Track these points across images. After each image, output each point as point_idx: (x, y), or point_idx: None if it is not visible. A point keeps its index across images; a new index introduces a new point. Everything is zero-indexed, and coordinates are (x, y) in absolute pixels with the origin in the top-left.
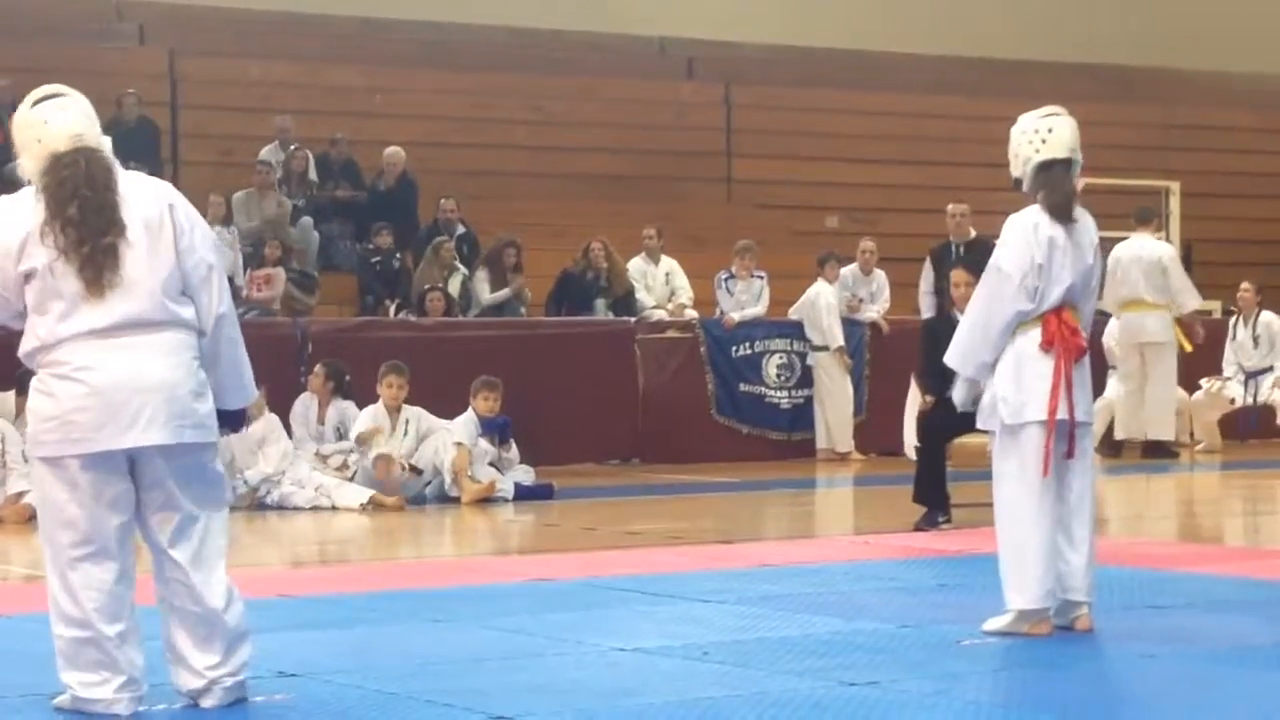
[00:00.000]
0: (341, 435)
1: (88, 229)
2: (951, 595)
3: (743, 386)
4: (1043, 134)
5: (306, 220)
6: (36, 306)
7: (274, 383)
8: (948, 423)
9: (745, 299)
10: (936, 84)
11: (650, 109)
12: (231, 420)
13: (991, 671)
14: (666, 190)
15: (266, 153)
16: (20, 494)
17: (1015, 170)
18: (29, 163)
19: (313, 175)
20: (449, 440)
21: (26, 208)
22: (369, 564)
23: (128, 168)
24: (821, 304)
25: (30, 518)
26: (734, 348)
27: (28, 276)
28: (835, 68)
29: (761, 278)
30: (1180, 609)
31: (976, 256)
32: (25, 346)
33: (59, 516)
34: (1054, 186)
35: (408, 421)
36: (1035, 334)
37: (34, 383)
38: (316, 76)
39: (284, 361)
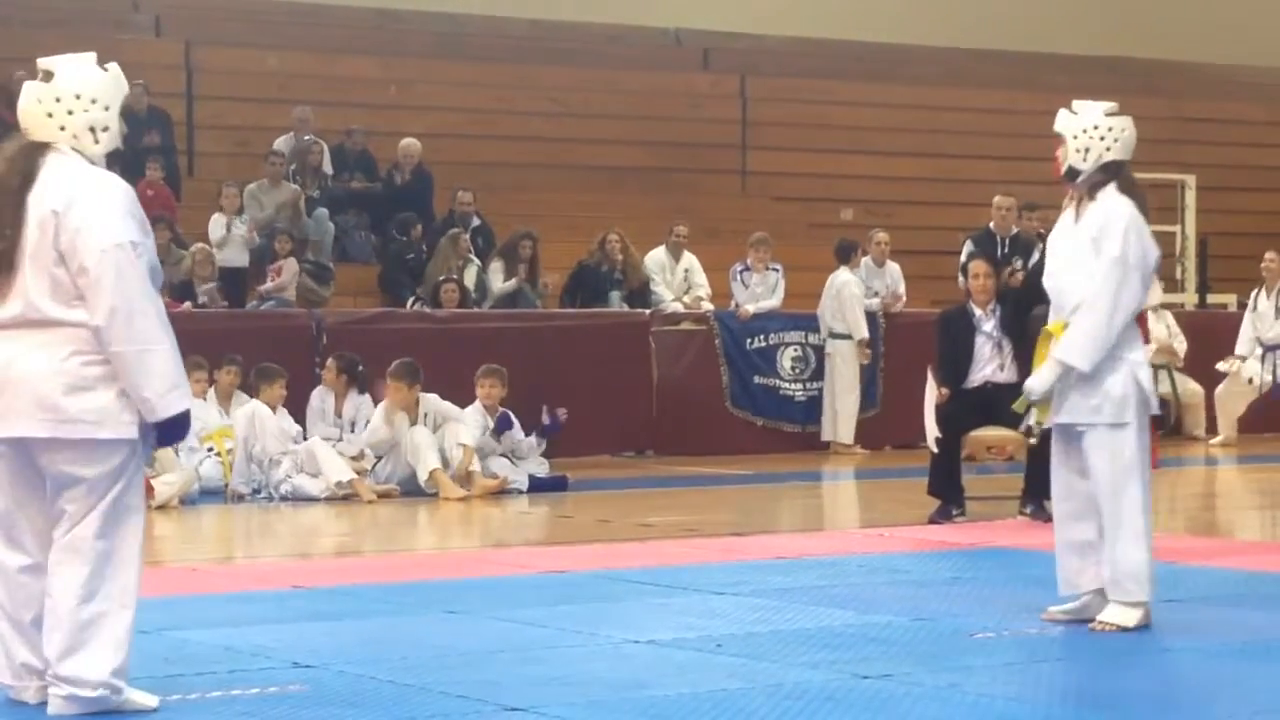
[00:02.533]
0: (355, 429)
1: None
2: (965, 588)
3: (757, 379)
4: (1116, 133)
5: (322, 212)
6: None
7: (289, 375)
8: (962, 415)
9: (760, 291)
10: (952, 77)
11: (666, 101)
12: (162, 434)
13: (1004, 664)
14: (682, 182)
15: (280, 143)
16: None
17: (1078, 162)
18: None
19: (328, 167)
20: (458, 436)
21: None
22: (383, 555)
23: (148, 158)
24: (847, 294)
25: None
26: (749, 340)
27: None
28: (851, 60)
29: (777, 270)
30: (1195, 603)
31: (1019, 251)
32: None
33: None
34: (1135, 185)
35: (425, 415)
36: (1137, 328)
37: None
38: (332, 67)
39: (299, 353)
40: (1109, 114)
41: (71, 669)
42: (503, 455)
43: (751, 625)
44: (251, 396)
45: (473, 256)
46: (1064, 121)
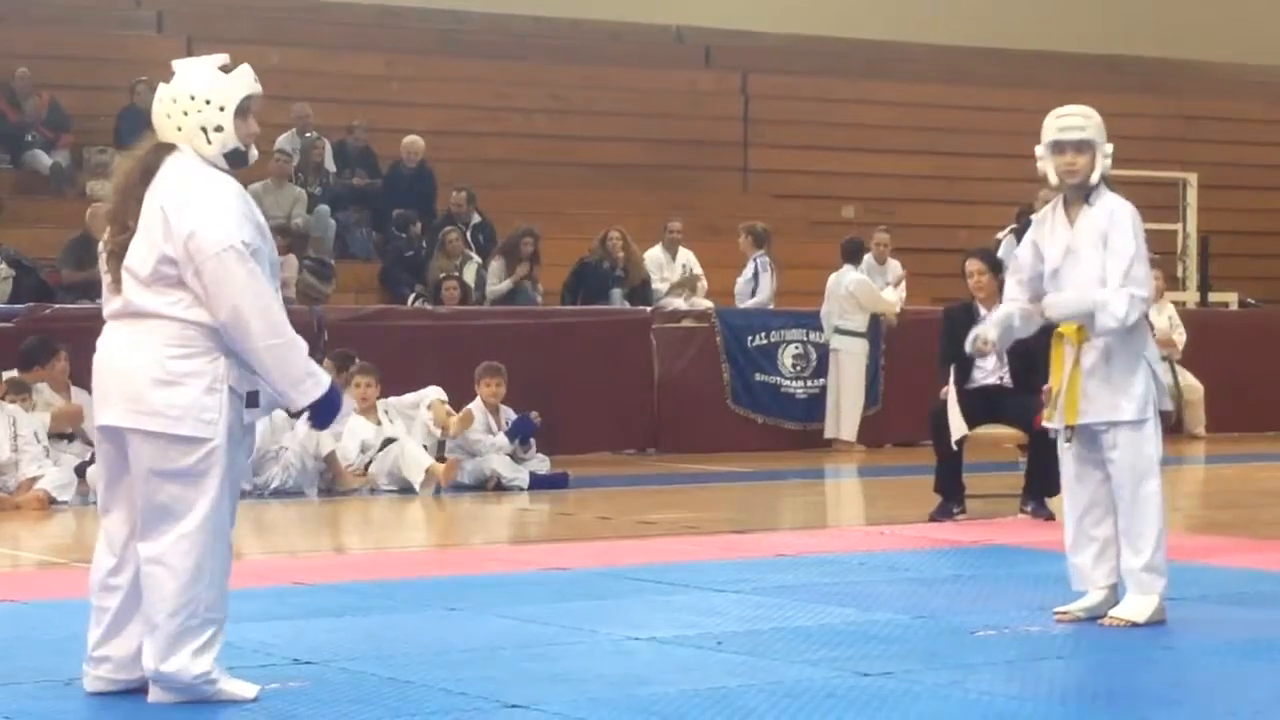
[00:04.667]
0: None
1: (110, 230)
2: (966, 586)
3: (758, 376)
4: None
5: (323, 208)
6: None
7: None
8: (970, 413)
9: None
10: (954, 74)
11: (667, 98)
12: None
13: (1005, 662)
14: (683, 179)
15: (283, 140)
16: (34, 479)
17: (1106, 167)
18: None
19: (329, 164)
20: (423, 408)
21: None
22: (384, 552)
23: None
24: (864, 294)
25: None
26: (750, 338)
27: None
28: (852, 58)
29: (756, 262)
30: (1197, 601)
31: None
32: None
33: None
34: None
35: (386, 412)
36: (1148, 325)
37: None
38: (335, 64)
39: None
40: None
41: (154, 666)
42: (508, 455)
43: (752, 623)
44: None
45: (472, 254)
46: (1094, 130)
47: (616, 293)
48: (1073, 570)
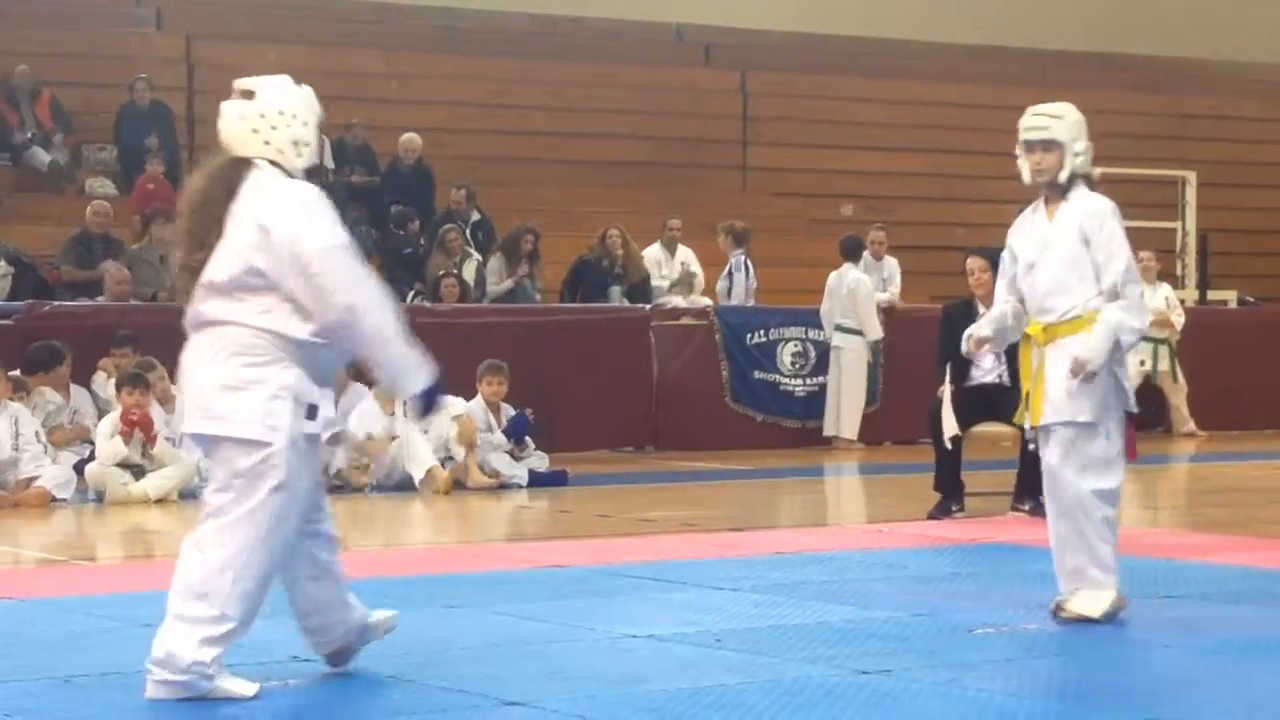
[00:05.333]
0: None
1: (187, 245)
2: (965, 584)
3: (757, 374)
4: (1085, 130)
5: None
6: None
7: None
8: (966, 412)
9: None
10: (953, 72)
11: (667, 96)
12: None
13: (1004, 660)
14: (682, 177)
15: None
16: (32, 478)
17: (1080, 165)
18: None
19: (328, 161)
20: (446, 415)
21: None
22: (382, 550)
23: (149, 152)
24: (862, 293)
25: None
26: (749, 335)
27: None
28: (852, 55)
29: (732, 260)
30: (1194, 599)
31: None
32: None
33: None
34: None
35: (405, 404)
36: None
37: None
38: (333, 61)
39: None
40: (1077, 112)
41: (162, 650)
42: (507, 453)
43: (751, 620)
44: None
45: (472, 251)
46: (1059, 129)
47: (615, 290)
48: (1057, 570)
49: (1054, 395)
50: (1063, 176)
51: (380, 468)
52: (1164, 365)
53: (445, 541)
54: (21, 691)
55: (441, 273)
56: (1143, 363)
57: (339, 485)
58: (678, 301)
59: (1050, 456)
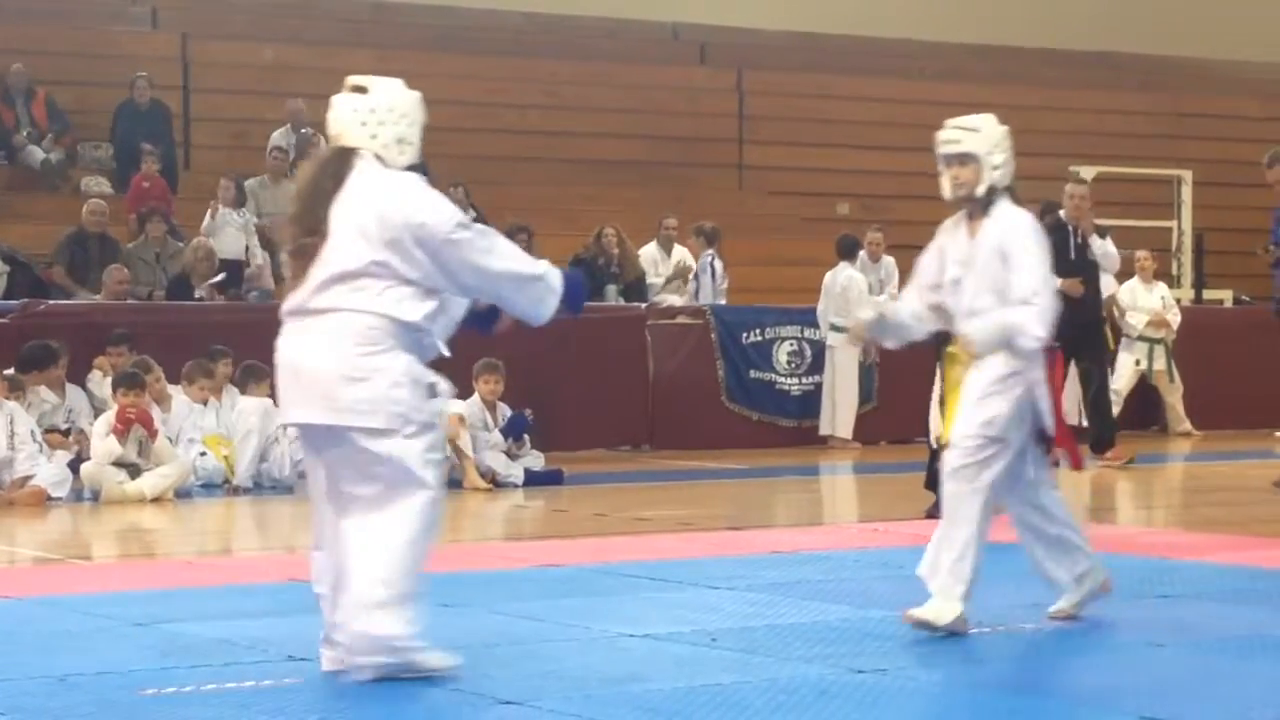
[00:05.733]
0: None
1: (296, 230)
2: None
3: (753, 373)
4: (1009, 142)
5: None
6: None
7: None
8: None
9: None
10: (950, 71)
11: (663, 95)
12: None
13: (999, 659)
14: (678, 176)
15: (278, 136)
16: (27, 477)
17: (999, 178)
18: None
19: None
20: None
21: None
22: None
23: (145, 151)
24: (854, 292)
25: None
26: (744, 334)
27: None
28: (848, 54)
29: (706, 258)
30: (1189, 598)
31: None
32: None
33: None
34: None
35: None
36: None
37: None
38: (329, 60)
39: None
40: (999, 124)
41: (364, 637)
42: (504, 453)
43: (747, 619)
44: (242, 394)
45: None
46: (974, 141)
47: (611, 289)
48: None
49: (966, 411)
50: (980, 190)
51: None
52: (1160, 365)
53: (440, 540)
54: (17, 690)
55: None
56: (1138, 362)
57: None
58: (674, 300)
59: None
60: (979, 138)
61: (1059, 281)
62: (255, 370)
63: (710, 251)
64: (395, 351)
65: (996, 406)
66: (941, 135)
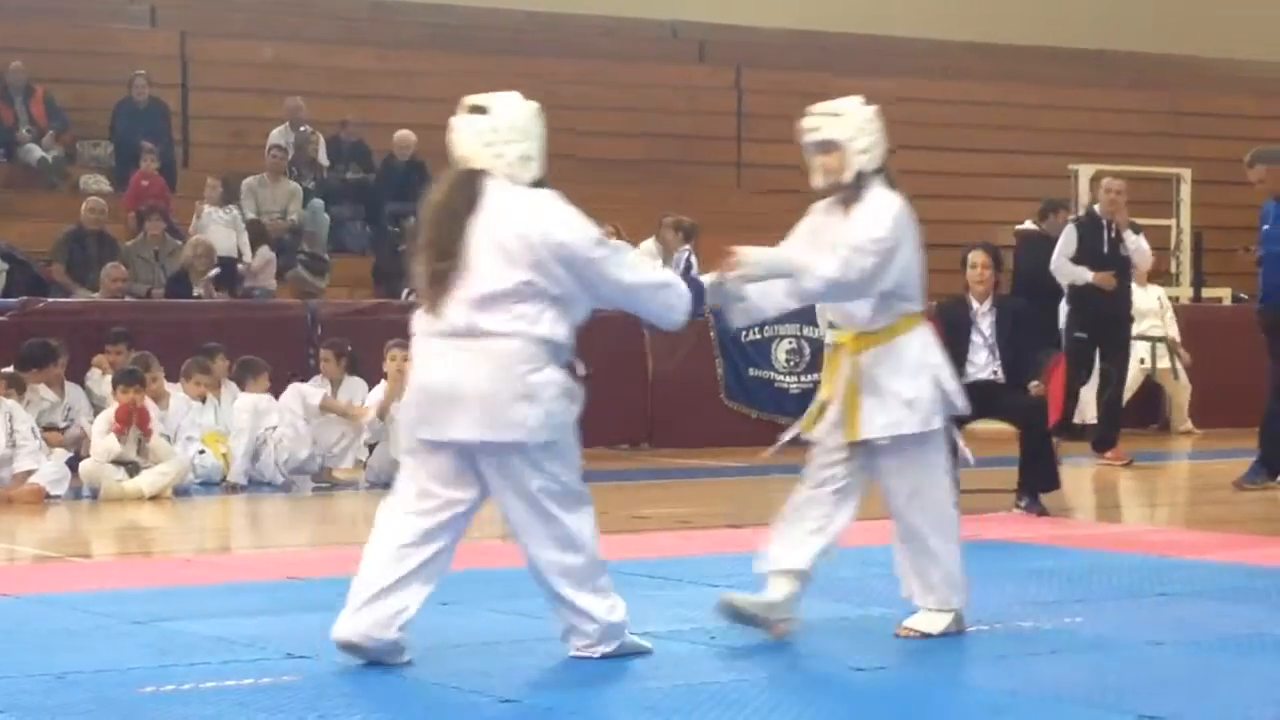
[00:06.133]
0: None
1: (431, 254)
2: None
3: (752, 371)
4: (878, 124)
5: (317, 203)
6: None
7: (286, 366)
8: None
9: None
10: (948, 70)
11: (662, 93)
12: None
13: (997, 658)
14: (677, 174)
15: (277, 135)
16: (28, 472)
17: (866, 163)
18: None
19: (323, 158)
20: None
21: None
22: None
23: (144, 149)
24: None
25: (44, 498)
26: (743, 332)
27: None
28: (846, 53)
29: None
30: (1189, 597)
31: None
32: None
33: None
34: (895, 182)
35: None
36: (932, 332)
37: None
38: (328, 59)
39: (294, 345)
40: (865, 106)
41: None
42: None
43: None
44: (240, 389)
45: None
46: (834, 127)
47: None
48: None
49: (872, 408)
50: (846, 177)
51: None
52: (1164, 363)
53: None
54: (15, 688)
55: None
56: (1142, 361)
57: (327, 485)
58: None
59: (885, 474)
60: (840, 123)
61: (1092, 275)
62: (253, 365)
63: (687, 247)
64: (553, 367)
65: (914, 403)
66: (804, 123)
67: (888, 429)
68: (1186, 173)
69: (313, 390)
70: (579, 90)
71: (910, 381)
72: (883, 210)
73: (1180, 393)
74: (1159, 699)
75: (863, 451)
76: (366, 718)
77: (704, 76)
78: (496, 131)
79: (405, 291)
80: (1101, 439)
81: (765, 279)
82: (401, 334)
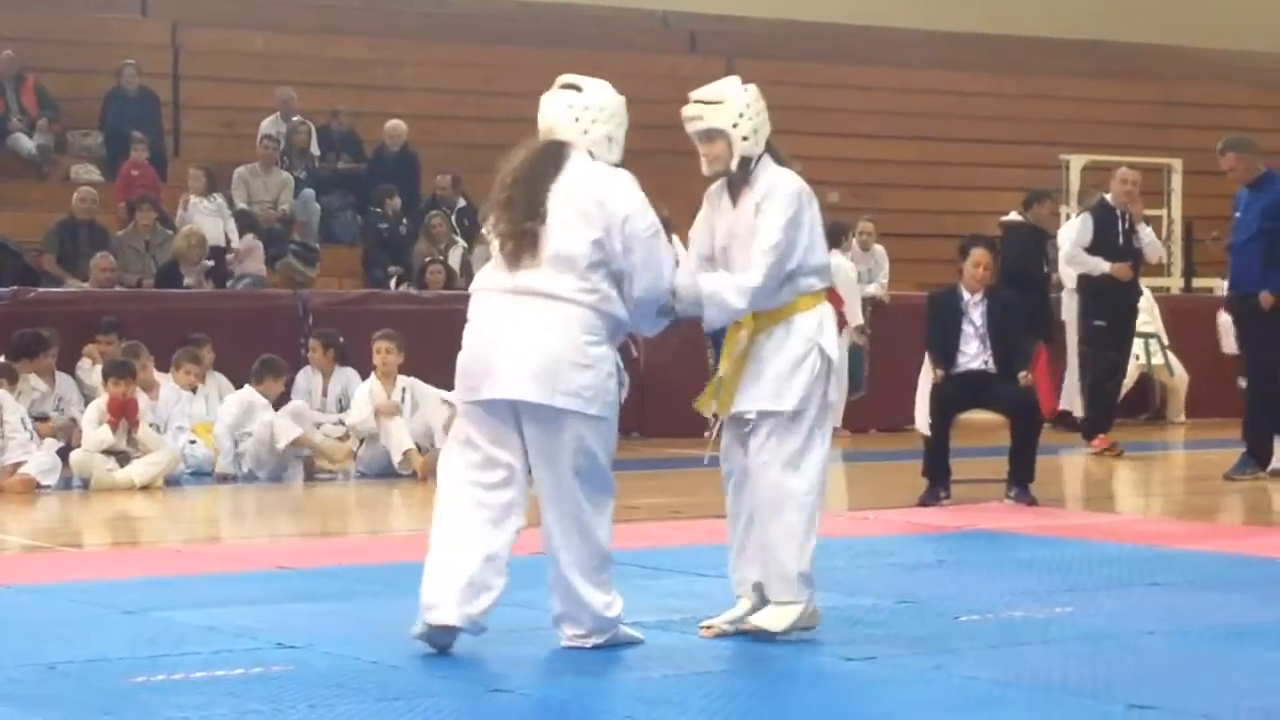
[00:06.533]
0: (343, 406)
1: (515, 213)
2: (950, 571)
3: None
4: (762, 105)
5: (308, 192)
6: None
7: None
8: (954, 398)
9: None
10: (940, 60)
11: (652, 83)
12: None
13: (989, 647)
14: (668, 165)
15: (268, 125)
16: (18, 464)
17: (749, 149)
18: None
19: (314, 148)
20: (436, 402)
21: None
22: (369, 537)
23: (134, 138)
24: (842, 278)
25: (35, 489)
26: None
27: None
28: (838, 43)
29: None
30: (1179, 586)
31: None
32: None
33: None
34: (784, 158)
35: (404, 390)
36: (830, 308)
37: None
38: (320, 48)
39: (285, 335)
40: (742, 86)
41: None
42: None
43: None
44: (252, 385)
45: (458, 238)
46: (715, 115)
47: None
48: (733, 579)
49: (749, 383)
50: (733, 165)
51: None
52: (1157, 359)
53: (430, 528)
54: (6, 678)
55: (427, 259)
56: (1137, 357)
57: (325, 474)
58: None
59: (749, 451)
60: (720, 110)
61: (1109, 265)
62: (274, 365)
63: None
64: (609, 344)
65: (795, 381)
66: (685, 111)
67: (756, 403)
68: (1177, 163)
69: (364, 394)
70: None
71: (790, 360)
72: (777, 196)
73: (1179, 386)
74: (1149, 688)
75: (738, 425)
76: (357, 707)
77: (695, 66)
78: (587, 109)
79: (393, 280)
80: (1092, 426)
81: (688, 313)
82: (392, 324)
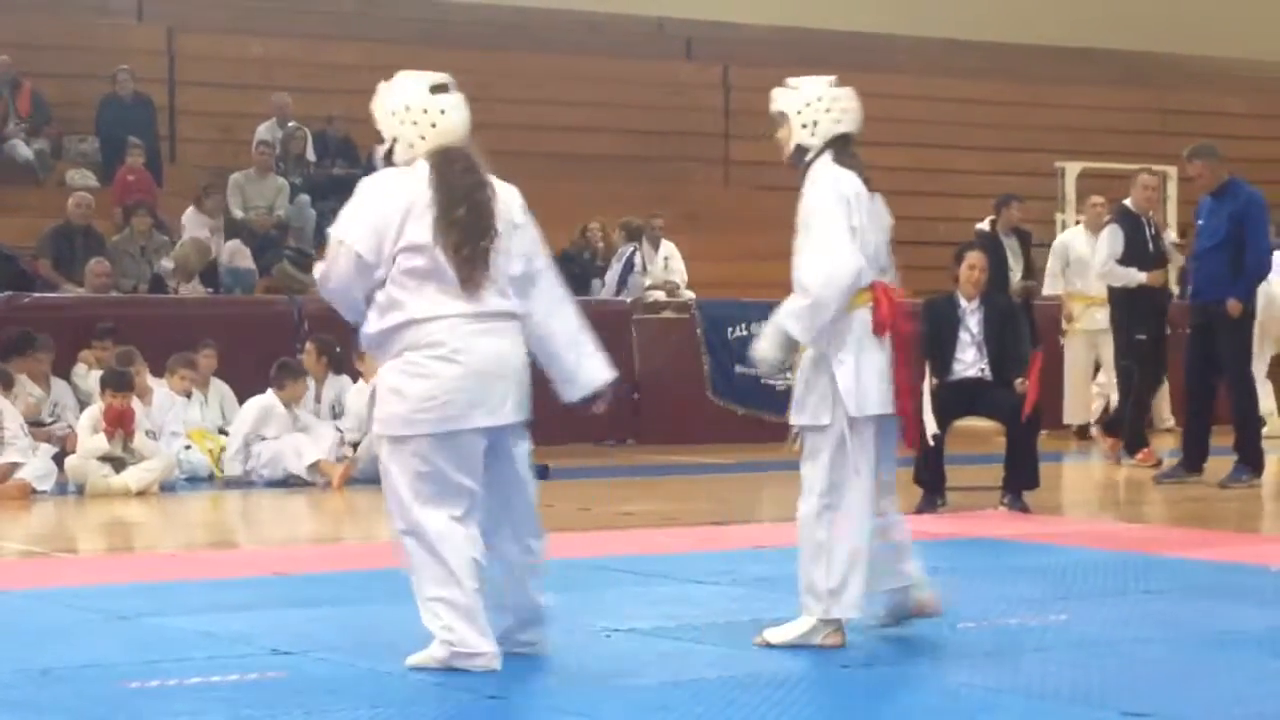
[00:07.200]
0: (338, 413)
1: (471, 232)
2: (945, 579)
3: (738, 368)
4: (843, 103)
5: (303, 198)
6: (406, 283)
7: (269, 363)
8: (950, 406)
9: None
10: (934, 67)
11: (649, 90)
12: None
13: (984, 654)
14: (664, 171)
15: (264, 131)
16: (14, 465)
17: (805, 138)
18: (408, 148)
19: (310, 154)
20: None
21: (408, 187)
22: (364, 543)
23: (130, 144)
24: None
25: (30, 494)
26: (730, 329)
27: (405, 251)
28: (834, 50)
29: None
30: (1173, 594)
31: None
32: (386, 322)
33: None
34: (855, 157)
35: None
36: (866, 314)
37: (400, 364)
38: (315, 54)
39: (280, 340)
40: (833, 85)
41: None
42: None
43: (732, 614)
44: (272, 389)
45: None
46: (785, 99)
47: (597, 284)
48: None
49: (796, 396)
50: (788, 151)
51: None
52: None
53: None
54: (1, 685)
55: None
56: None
57: (313, 482)
58: (659, 295)
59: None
60: (792, 95)
61: (1145, 276)
62: (291, 369)
63: (631, 245)
64: None
65: (806, 396)
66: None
67: (794, 416)
68: (1173, 171)
69: (358, 399)
70: (566, 86)
71: (814, 375)
72: (814, 200)
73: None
74: (1143, 695)
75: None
76: (352, 713)
77: (691, 73)
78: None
79: None
80: (1138, 439)
81: (779, 357)
82: None
